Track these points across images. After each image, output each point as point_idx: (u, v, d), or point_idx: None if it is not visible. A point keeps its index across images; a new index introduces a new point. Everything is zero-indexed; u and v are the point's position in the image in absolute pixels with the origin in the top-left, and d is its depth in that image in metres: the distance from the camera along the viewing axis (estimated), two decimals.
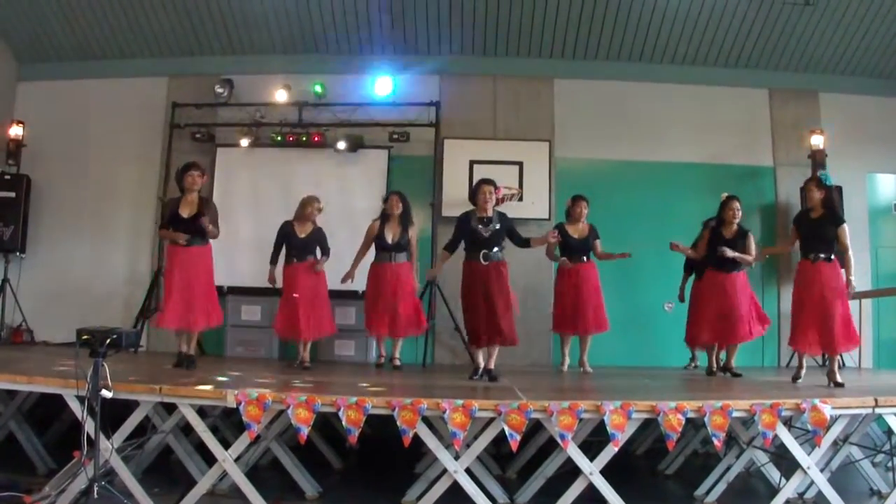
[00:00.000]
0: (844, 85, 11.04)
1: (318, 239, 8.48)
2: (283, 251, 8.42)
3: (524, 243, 7.38)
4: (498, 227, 7.24)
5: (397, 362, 8.64)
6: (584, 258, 8.66)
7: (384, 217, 8.60)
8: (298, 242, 8.37)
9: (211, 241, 7.56)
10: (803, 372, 7.27)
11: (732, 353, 8.29)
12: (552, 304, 8.87)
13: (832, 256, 7.13)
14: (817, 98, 11.06)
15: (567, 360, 8.81)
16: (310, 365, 8.33)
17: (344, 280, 8.58)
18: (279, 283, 8.40)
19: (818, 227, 7.16)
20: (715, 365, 8.49)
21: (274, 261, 8.43)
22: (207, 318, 7.54)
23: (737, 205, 8.10)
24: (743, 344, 8.31)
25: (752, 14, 10.16)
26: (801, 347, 7.24)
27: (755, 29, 10.38)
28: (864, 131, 10.76)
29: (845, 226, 7.14)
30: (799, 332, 7.18)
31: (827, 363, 7.41)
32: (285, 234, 8.41)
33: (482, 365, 7.20)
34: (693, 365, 9.48)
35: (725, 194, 8.25)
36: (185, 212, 7.41)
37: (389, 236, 8.48)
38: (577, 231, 8.66)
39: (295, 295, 8.21)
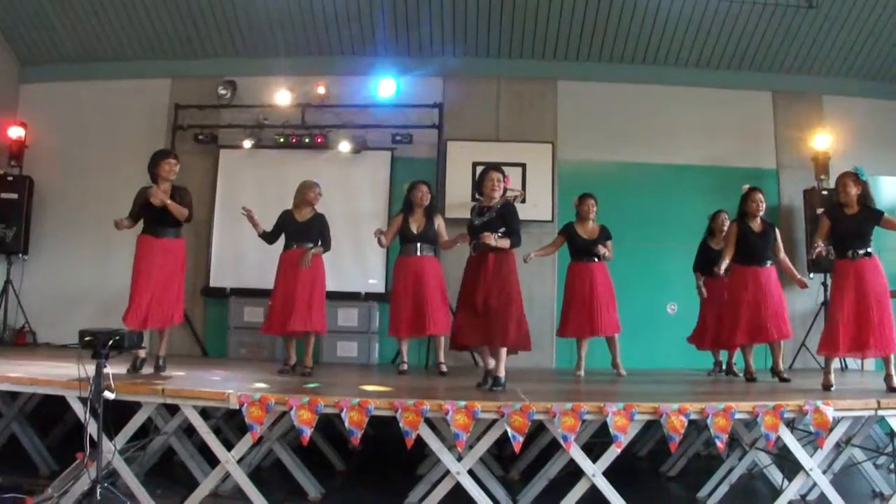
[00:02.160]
0: (848, 88, 11.02)
1: (319, 226, 8.02)
2: (284, 239, 8.04)
3: (513, 243, 6.52)
4: (493, 216, 6.56)
5: (443, 367, 8.13)
6: (595, 258, 8.52)
7: (408, 207, 8.23)
8: (297, 227, 7.96)
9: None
10: (833, 378, 6.74)
11: (778, 353, 7.82)
12: (561, 306, 8.84)
13: (871, 252, 6.79)
14: (820, 101, 11.03)
15: (583, 364, 8.58)
16: (310, 370, 7.80)
17: (378, 234, 7.91)
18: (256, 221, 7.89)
19: (857, 224, 6.79)
20: (750, 367, 7.89)
21: (267, 240, 8.03)
22: (171, 315, 7.09)
23: (760, 196, 7.80)
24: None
25: (756, 17, 10.15)
26: (835, 351, 6.73)
27: (758, 32, 10.37)
28: (867, 134, 10.71)
29: (886, 214, 6.81)
30: (833, 336, 6.67)
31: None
32: (284, 221, 8.02)
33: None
34: (719, 370, 9.02)
35: (747, 186, 8.02)
36: (157, 200, 6.97)
37: (414, 227, 8.12)
38: (586, 231, 8.57)
39: (269, 303, 7.89)
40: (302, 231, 7.97)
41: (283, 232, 8.03)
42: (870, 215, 6.80)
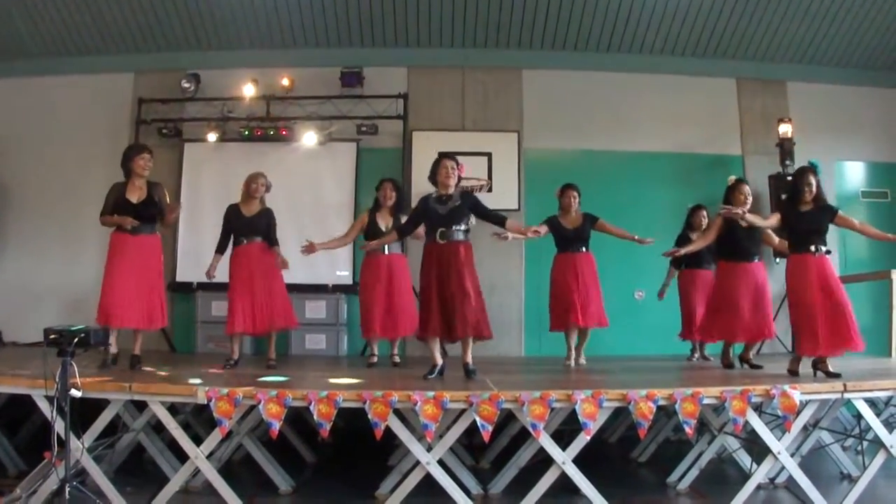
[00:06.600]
0: (812, 74, 11.14)
1: (266, 221, 7.68)
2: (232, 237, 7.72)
3: (498, 220, 6.67)
4: (458, 203, 6.62)
5: (396, 359, 8.19)
6: (583, 248, 8.32)
7: (375, 206, 8.11)
8: (244, 221, 7.60)
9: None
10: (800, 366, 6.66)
11: (753, 345, 7.66)
12: (547, 298, 8.62)
13: (829, 250, 6.65)
14: (785, 87, 11.15)
15: (573, 354, 8.29)
16: (274, 362, 7.68)
17: (304, 249, 7.35)
18: (216, 277, 7.60)
19: (814, 220, 6.61)
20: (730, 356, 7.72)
21: (220, 249, 7.67)
22: (152, 316, 7.04)
23: (747, 189, 7.49)
24: None
25: (720, 3, 10.18)
26: (817, 350, 6.42)
27: (723, 18, 10.42)
28: (831, 120, 10.87)
29: (840, 212, 6.65)
30: (812, 335, 6.39)
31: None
32: (229, 217, 7.69)
33: (439, 363, 6.54)
34: (696, 357, 8.96)
35: (733, 178, 7.85)
36: (134, 197, 6.96)
37: (382, 224, 7.94)
38: (570, 221, 8.33)
39: (231, 299, 7.51)
40: (249, 225, 7.65)
41: (232, 228, 7.74)
42: (826, 211, 6.65)
